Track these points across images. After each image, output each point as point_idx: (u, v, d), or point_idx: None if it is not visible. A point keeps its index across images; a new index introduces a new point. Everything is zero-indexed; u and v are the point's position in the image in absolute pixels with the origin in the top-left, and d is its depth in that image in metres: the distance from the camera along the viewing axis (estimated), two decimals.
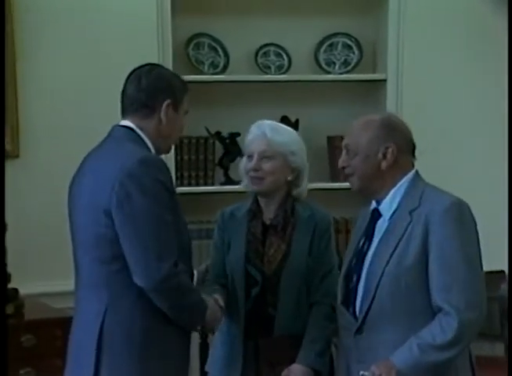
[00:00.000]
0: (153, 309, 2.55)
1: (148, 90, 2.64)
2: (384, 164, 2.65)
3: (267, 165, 3.00)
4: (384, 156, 2.64)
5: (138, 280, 2.50)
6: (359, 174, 2.68)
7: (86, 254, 2.61)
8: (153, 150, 2.65)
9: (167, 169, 2.60)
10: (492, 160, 4.64)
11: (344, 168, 2.72)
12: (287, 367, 2.95)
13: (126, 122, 2.66)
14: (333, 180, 4.51)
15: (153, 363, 2.57)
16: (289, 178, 3.04)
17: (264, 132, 3.02)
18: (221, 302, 2.89)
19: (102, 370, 2.54)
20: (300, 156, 3.06)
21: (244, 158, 3.09)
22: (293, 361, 2.95)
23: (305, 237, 3.02)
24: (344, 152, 2.72)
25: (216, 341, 3.11)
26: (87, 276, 2.62)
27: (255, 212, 3.06)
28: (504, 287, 4.31)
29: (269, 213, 3.06)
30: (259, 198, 3.08)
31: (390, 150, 2.64)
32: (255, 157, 3.01)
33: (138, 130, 2.63)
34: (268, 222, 3.05)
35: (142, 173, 2.49)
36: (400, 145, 2.66)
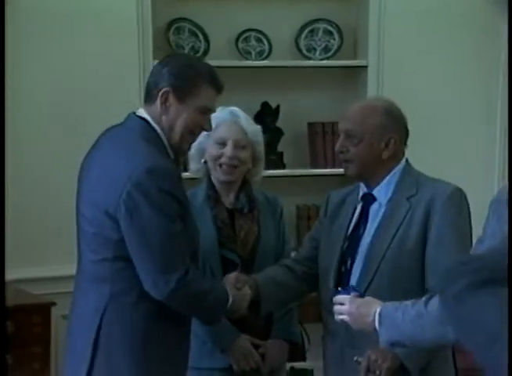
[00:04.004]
0: (156, 310, 2.49)
1: (152, 77, 2.58)
2: (385, 154, 2.66)
3: (242, 155, 2.96)
4: (386, 146, 2.66)
5: (148, 290, 2.46)
6: (359, 161, 2.66)
7: (89, 250, 2.54)
8: (168, 147, 2.55)
9: (176, 177, 2.51)
10: (474, 147, 4.65)
11: (341, 152, 2.69)
12: (263, 343, 2.96)
13: (140, 111, 2.57)
14: (313, 166, 4.50)
15: (151, 364, 2.51)
16: (250, 166, 3.02)
17: (236, 119, 2.98)
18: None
19: (97, 365, 2.50)
20: (262, 146, 3.06)
21: (211, 143, 2.98)
22: (266, 335, 2.98)
23: (270, 218, 3.06)
24: (342, 136, 2.68)
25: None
26: (91, 271, 2.55)
27: (215, 198, 3.02)
28: None
29: (228, 198, 3.02)
30: (217, 184, 3.02)
31: (392, 141, 2.66)
32: (230, 144, 2.95)
33: (153, 123, 2.54)
34: (230, 207, 3.02)
35: (148, 183, 2.41)
36: (401, 136, 2.69)
